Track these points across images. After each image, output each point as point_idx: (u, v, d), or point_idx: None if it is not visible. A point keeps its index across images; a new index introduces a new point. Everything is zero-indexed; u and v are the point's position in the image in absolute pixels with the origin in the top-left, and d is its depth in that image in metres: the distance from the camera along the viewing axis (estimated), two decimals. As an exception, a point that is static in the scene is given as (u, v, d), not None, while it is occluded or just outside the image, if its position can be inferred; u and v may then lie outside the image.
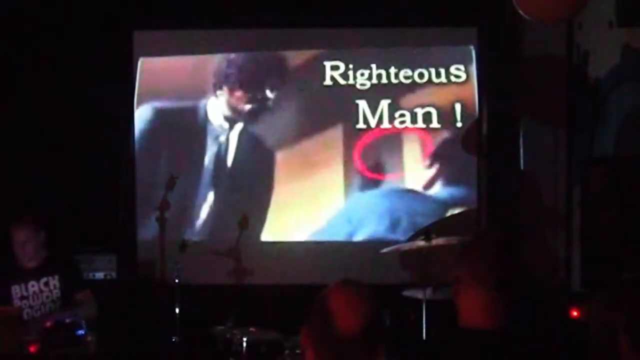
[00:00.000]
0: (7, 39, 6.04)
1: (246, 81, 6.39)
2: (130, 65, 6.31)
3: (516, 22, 5.63)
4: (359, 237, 6.31)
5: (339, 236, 6.34)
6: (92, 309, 5.00)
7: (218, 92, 6.38)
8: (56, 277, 4.98)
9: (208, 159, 6.40)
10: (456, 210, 6.27)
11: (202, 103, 6.40)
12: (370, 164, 6.33)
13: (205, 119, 6.40)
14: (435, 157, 6.31)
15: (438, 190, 6.31)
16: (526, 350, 2.58)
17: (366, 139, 6.33)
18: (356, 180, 6.34)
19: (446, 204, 6.28)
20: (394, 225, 6.29)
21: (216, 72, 6.38)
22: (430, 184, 6.31)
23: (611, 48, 5.16)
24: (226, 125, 6.39)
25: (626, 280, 3.88)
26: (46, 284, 4.96)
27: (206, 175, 6.39)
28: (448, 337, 2.70)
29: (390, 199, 6.33)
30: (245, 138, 6.40)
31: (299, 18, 6.25)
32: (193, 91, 6.39)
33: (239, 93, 6.38)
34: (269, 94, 6.38)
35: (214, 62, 6.40)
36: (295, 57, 6.41)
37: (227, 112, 6.39)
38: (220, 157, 6.39)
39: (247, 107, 6.39)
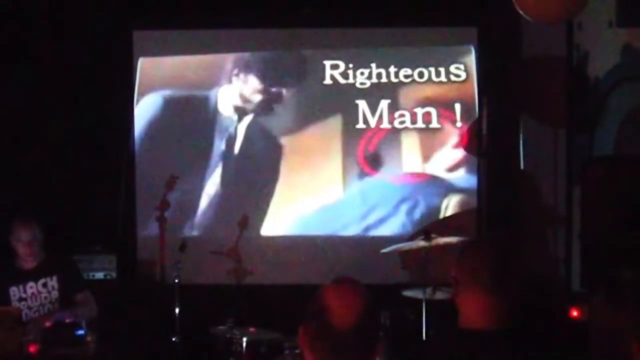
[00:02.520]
0: (7, 38, 6.04)
1: (255, 81, 6.39)
2: (130, 65, 6.31)
3: (516, 22, 5.63)
4: (359, 237, 6.31)
5: (339, 235, 6.34)
6: (92, 309, 5.00)
7: (226, 89, 6.37)
8: (54, 278, 4.97)
9: (208, 159, 6.40)
10: (456, 210, 6.28)
11: (203, 104, 6.39)
12: (373, 163, 6.34)
13: (207, 120, 6.40)
14: (435, 156, 6.31)
15: (438, 189, 6.31)
16: (526, 351, 2.58)
17: (370, 138, 6.34)
18: (356, 180, 6.34)
19: (446, 203, 6.28)
20: (394, 224, 6.29)
21: (228, 68, 6.38)
22: (430, 183, 6.31)
23: (611, 48, 5.16)
24: (227, 127, 6.39)
25: (627, 280, 3.88)
26: (44, 285, 4.96)
27: (206, 176, 6.39)
28: (448, 337, 2.70)
29: (391, 199, 6.33)
30: (247, 139, 6.40)
31: (299, 18, 6.25)
32: (193, 92, 6.39)
33: (247, 91, 6.38)
34: (274, 94, 6.38)
35: (216, 62, 6.40)
36: (296, 57, 6.42)
37: (230, 113, 6.39)
38: (220, 157, 6.39)
39: (251, 107, 6.39)
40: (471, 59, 6.28)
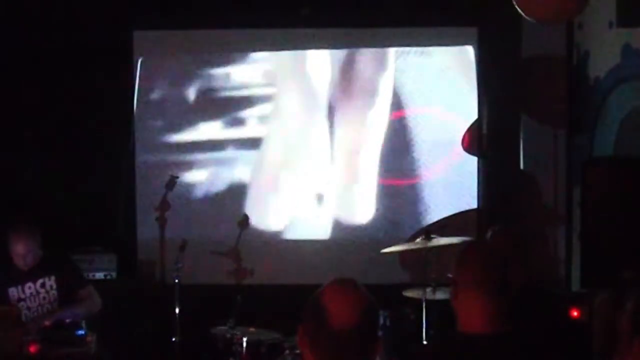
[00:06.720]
0: (7, 39, 6.04)
1: (255, 81, 6.39)
2: (130, 65, 6.31)
3: (516, 22, 5.63)
4: (359, 237, 6.31)
5: (339, 235, 6.34)
6: (95, 304, 4.99)
7: (225, 89, 6.37)
8: (52, 277, 4.97)
9: (208, 158, 6.39)
10: (456, 210, 6.27)
11: (203, 104, 6.39)
12: (374, 163, 6.34)
13: (207, 121, 6.39)
14: (435, 156, 6.30)
15: (438, 190, 6.30)
16: (526, 354, 2.57)
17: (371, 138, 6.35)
18: (357, 180, 6.34)
19: (446, 204, 6.27)
20: (394, 224, 6.28)
21: (227, 68, 6.37)
22: (430, 184, 6.31)
23: (611, 48, 5.16)
24: (227, 127, 6.38)
25: (628, 280, 3.88)
26: (42, 285, 4.95)
27: (206, 176, 6.38)
28: (448, 341, 2.69)
29: (391, 199, 6.33)
30: (248, 138, 6.39)
31: (299, 18, 6.24)
32: (193, 92, 6.38)
33: (247, 92, 6.38)
34: (275, 94, 6.38)
35: (215, 62, 6.40)
36: (296, 56, 6.42)
37: (230, 113, 6.38)
38: (220, 157, 6.39)
39: (252, 107, 6.38)
40: (471, 59, 6.27)
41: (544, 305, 3.57)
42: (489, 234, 3.70)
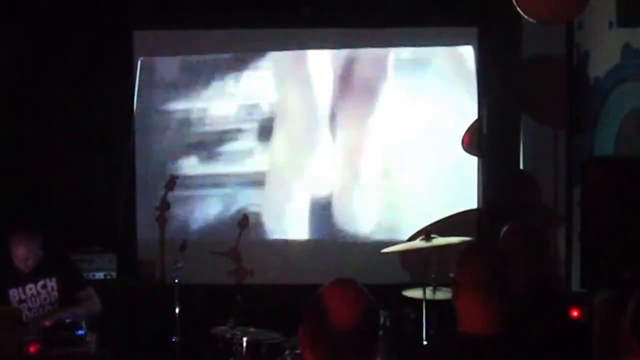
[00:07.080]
0: (7, 39, 6.04)
1: (255, 81, 6.40)
2: (130, 65, 6.31)
3: (516, 22, 5.63)
4: (359, 237, 6.31)
5: (339, 235, 6.34)
6: (95, 304, 5.00)
7: (226, 89, 6.37)
8: (53, 278, 4.97)
9: (208, 159, 6.39)
10: (456, 210, 6.27)
11: (203, 104, 6.39)
12: (373, 163, 6.34)
13: (207, 120, 6.39)
14: (435, 156, 6.30)
15: (438, 190, 6.30)
16: (526, 355, 2.57)
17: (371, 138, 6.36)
18: (357, 181, 6.34)
19: (446, 203, 6.27)
20: (394, 225, 6.28)
21: (228, 68, 6.37)
22: (430, 184, 6.30)
23: (611, 48, 5.16)
24: (227, 126, 6.39)
25: (629, 280, 3.89)
26: (44, 286, 4.95)
27: (206, 176, 6.38)
28: (449, 342, 2.69)
29: (391, 199, 6.33)
30: (248, 138, 6.39)
31: (299, 18, 6.24)
32: (193, 92, 6.38)
33: (248, 91, 6.38)
34: (275, 94, 6.38)
35: (215, 62, 6.40)
36: (297, 57, 6.42)
37: (230, 113, 6.38)
38: (220, 157, 6.39)
39: (252, 108, 6.38)
40: (471, 59, 6.27)
41: (549, 305, 3.57)
42: (502, 232, 3.68)
